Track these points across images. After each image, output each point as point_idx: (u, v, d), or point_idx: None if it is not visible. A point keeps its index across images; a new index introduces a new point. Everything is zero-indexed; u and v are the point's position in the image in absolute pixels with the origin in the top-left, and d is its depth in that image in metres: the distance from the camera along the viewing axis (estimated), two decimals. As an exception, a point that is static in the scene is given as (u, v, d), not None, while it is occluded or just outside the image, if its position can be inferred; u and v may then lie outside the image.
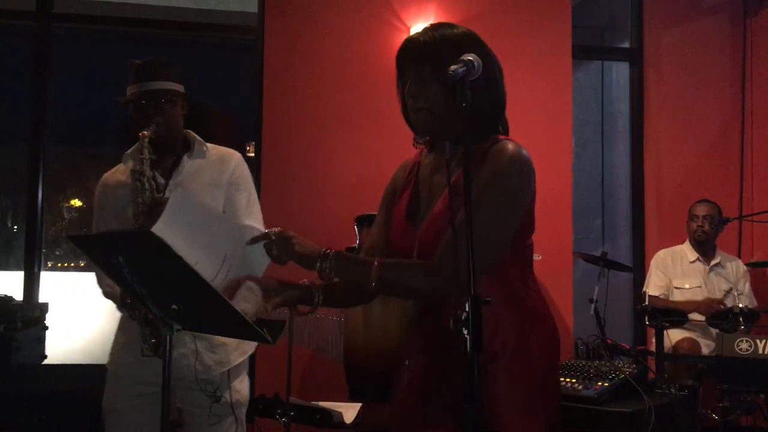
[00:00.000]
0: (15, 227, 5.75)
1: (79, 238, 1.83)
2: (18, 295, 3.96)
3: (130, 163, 2.39)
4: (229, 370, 2.35)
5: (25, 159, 4.27)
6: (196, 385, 2.29)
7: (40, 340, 3.70)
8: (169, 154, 2.38)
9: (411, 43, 1.71)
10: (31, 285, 4.17)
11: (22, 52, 4.52)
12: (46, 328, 3.76)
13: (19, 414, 3.13)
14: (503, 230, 1.54)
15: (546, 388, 1.61)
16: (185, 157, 2.39)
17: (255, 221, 2.44)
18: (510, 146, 1.58)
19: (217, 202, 2.38)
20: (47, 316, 3.81)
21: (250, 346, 2.47)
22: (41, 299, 4.16)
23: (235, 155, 2.48)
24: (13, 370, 3.29)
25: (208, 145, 2.46)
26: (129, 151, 2.43)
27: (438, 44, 1.64)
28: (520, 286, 1.62)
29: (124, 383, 2.31)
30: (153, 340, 2.17)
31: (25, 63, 4.35)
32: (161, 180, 2.31)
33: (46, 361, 3.73)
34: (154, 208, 2.18)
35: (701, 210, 4.34)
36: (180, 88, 2.38)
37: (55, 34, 4.37)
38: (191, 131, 2.47)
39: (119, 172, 2.45)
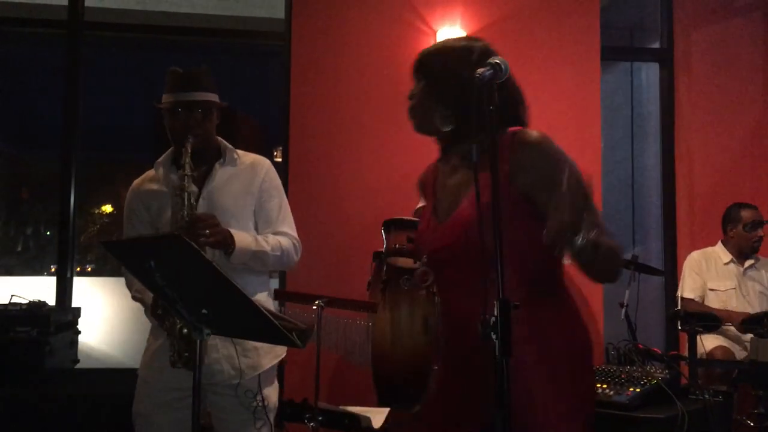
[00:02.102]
0: (48, 233, 5.85)
1: (111, 244, 1.86)
2: (51, 300, 4.02)
3: (162, 171, 2.42)
4: (260, 374, 2.36)
5: (57, 166, 4.34)
6: (229, 390, 2.31)
7: (73, 345, 3.74)
8: (202, 162, 2.40)
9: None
10: (63, 290, 4.22)
11: (54, 61, 4.59)
12: (79, 332, 3.81)
13: (52, 417, 3.16)
14: (589, 201, 1.50)
15: (582, 392, 1.60)
16: (217, 165, 2.42)
17: (288, 228, 2.48)
18: (532, 132, 1.64)
19: (249, 210, 2.41)
20: (79, 320, 3.86)
21: (282, 350, 2.48)
22: (74, 304, 4.22)
23: (265, 162, 2.50)
24: (46, 374, 3.33)
25: (239, 152, 2.48)
26: (161, 159, 2.45)
27: (427, 56, 1.79)
28: (553, 288, 1.63)
29: (154, 388, 2.33)
30: (186, 354, 2.17)
31: (57, 71, 4.42)
32: (194, 188, 2.32)
33: (78, 366, 3.77)
34: (192, 225, 2.20)
35: (752, 216, 4.24)
36: (216, 98, 2.40)
37: (87, 42, 4.43)
38: (221, 138, 2.48)
39: (149, 180, 2.46)
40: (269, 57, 4.96)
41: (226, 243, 2.26)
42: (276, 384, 2.49)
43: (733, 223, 4.31)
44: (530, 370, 1.55)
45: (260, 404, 2.32)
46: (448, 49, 1.76)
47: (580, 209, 1.44)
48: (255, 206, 2.43)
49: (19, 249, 6.32)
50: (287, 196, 4.15)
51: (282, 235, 2.43)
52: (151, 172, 2.48)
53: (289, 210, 2.52)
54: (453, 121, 1.71)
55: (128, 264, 1.91)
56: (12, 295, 3.62)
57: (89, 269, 4.51)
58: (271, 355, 2.41)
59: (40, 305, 3.57)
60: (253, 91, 5.69)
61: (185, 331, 2.14)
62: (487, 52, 1.68)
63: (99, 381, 3.62)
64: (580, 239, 1.40)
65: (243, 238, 2.31)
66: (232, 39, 4.87)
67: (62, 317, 3.63)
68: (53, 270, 5.14)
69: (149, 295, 2.26)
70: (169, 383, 2.28)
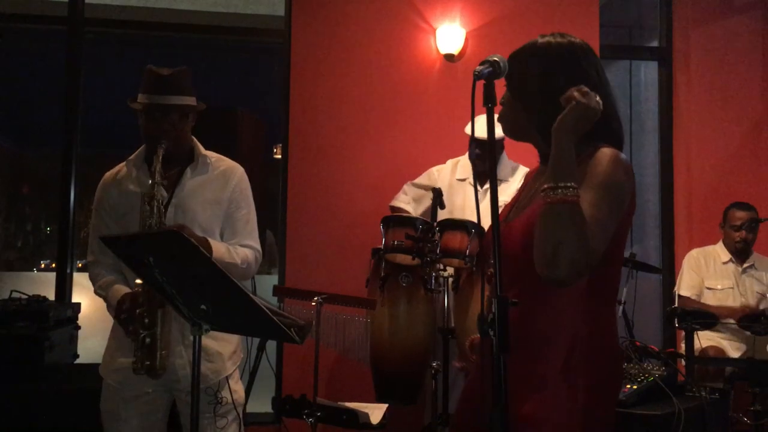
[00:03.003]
0: (48, 229, 5.85)
1: (110, 240, 1.87)
2: (51, 296, 4.03)
3: (134, 170, 2.41)
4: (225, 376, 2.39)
5: (57, 162, 4.34)
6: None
7: (72, 340, 3.74)
8: (173, 165, 2.39)
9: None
10: (63, 285, 4.24)
11: (54, 57, 4.59)
12: (78, 327, 3.81)
13: (51, 412, 3.16)
14: (604, 222, 1.46)
15: (596, 409, 1.55)
16: (188, 171, 2.40)
17: (252, 240, 2.47)
18: (610, 150, 1.55)
19: (217, 218, 2.40)
20: (79, 316, 3.86)
21: (241, 356, 2.51)
22: (73, 300, 4.22)
23: (238, 170, 2.48)
24: (46, 369, 3.32)
25: (213, 156, 2.46)
26: (132, 156, 2.44)
27: (511, 61, 1.62)
28: (595, 309, 1.57)
29: (118, 387, 2.34)
30: (147, 362, 2.18)
31: (57, 67, 4.42)
32: (164, 194, 2.30)
33: (77, 361, 3.78)
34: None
35: (741, 217, 4.26)
36: (194, 101, 2.39)
37: (87, 39, 4.43)
38: (196, 140, 2.47)
39: (121, 176, 2.44)
40: (269, 54, 4.95)
41: None
42: (240, 381, 2.50)
43: (724, 222, 4.33)
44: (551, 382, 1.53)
45: (222, 403, 2.32)
46: (530, 51, 1.63)
47: (598, 208, 1.44)
48: (223, 215, 2.42)
49: (20, 244, 6.34)
50: (286, 193, 4.22)
51: (247, 247, 2.43)
52: (122, 168, 2.46)
53: (255, 221, 2.50)
54: (541, 129, 1.61)
55: (127, 260, 1.91)
56: (12, 291, 3.62)
57: (79, 265, 4.50)
58: (233, 360, 2.43)
59: (39, 300, 3.56)
60: (253, 88, 5.69)
61: (148, 340, 2.15)
62: (572, 52, 1.60)
63: (98, 376, 3.62)
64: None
65: (218, 248, 2.30)
66: (232, 36, 4.86)
67: (62, 312, 3.63)
68: (53, 265, 5.14)
69: (113, 295, 2.27)
70: (132, 381, 2.29)
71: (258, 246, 2.47)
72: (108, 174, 2.50)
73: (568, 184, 1.42)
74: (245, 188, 2.48)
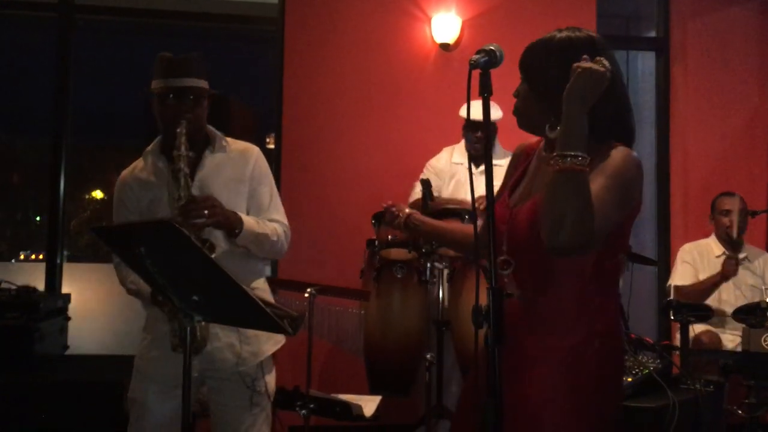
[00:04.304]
0: (38, 218, 5.82)
1: (101, 230, 1.84)
2: (40, 286, 4.00)
3: (151, 160, 2.39)
4: (262, 361, 2.37)
5: (47, 151, 4.31)
6: (230, 376, 2.31)
7: (63, 331, 3.73)
8: (192, 150, 2.34)
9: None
10: (53, 276, 4.21)
11: (45, 44, 4.54)
12: (69, 318, 3.79)
13: (41, 404, 3.15)
14: (609, 205, 1.48)
15: (598, 402, 1.57)
16: (207, 152, 2.39)
17: (279, 215, 2.46)
18: (625, 149, 1.57)
19: (241, 197, 2.39)
20: (69, 306, 3.84)
21: (282, 337, 2.46)
22: (63, 290, 4.20)
23: (255, 150, 2.49)
24: (35, 360, 3.31)
25: (228, 139, 2.46)
26: (149, 148, 2.42)
27: (530, 54, 1.64)
28: (597, 299, 1.59)
29: (150, 377, 2.33)
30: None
31: (48, 55, 4.38)
32: (186, 170, 2.26)
33: (68, 352, 3.76)
34: (186, 206, 2.17)
35: (727, 203, 4.25)
36: (207, 85, 2.38)
37: (78, 26, 4.39)
38: (210, 125, 2.46)
39: (139, 170, 2.43)
40: (263, 43, 4.92)
41: (230, 223, 2.24)
42: (274, 371, 2.48)
43: (712, 211, 4.31)
44: (548, 370, 1.54)
45: (260, 390, 2.33)
46: (547, 45, 1.61)
47: (604, 194, 1.45)
48: (246, 193, 2.41)
49: (9, 234, 6.30)
50: (279, 183, 4.19)
51: (275, 222, 2.42)
52: (139, 162, 2.45)
53: (278, 197, 2.50)
54: (557, 124, 1.59)
55: (119, 250, 1.90)
56: (1, 281, 3.60)
57: (66, 254, 4.47)
58: (271, 341, 2.41)
59: (29, 291, 3.54)
60: (246, 77, 5.65)
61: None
62: (592, 46, 1.58)
63: (89, 367, 3.61)
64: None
65: (247, 220, 2.30)
66: (225, 24, 4.83)
67: (52, 303, 3.61)
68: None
69: (145, 286, 2.22)
70: (166, 373, 2.28)
71: (285, 221, 2.46)
72: (125, 171, 2.47)
73: (577, 154, 1.42)
74: (265, 166, 2.48)
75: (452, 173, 3.69)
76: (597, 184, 1.47)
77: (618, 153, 1.54)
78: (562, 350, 1.53)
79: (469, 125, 3.45)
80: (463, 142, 3.72)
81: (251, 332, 2.34)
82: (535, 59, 1.60)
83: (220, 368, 2.31)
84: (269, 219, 2.41)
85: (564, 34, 1.62)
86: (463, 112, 3.51)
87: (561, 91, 1.52)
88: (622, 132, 1.60)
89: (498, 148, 3.65)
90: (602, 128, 1.55)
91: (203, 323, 2.17)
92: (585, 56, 1.49)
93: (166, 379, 2.28)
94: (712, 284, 3.94)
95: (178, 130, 2.23)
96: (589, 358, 1.54)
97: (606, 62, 1.48)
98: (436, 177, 3.69)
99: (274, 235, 2.37)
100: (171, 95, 2.29)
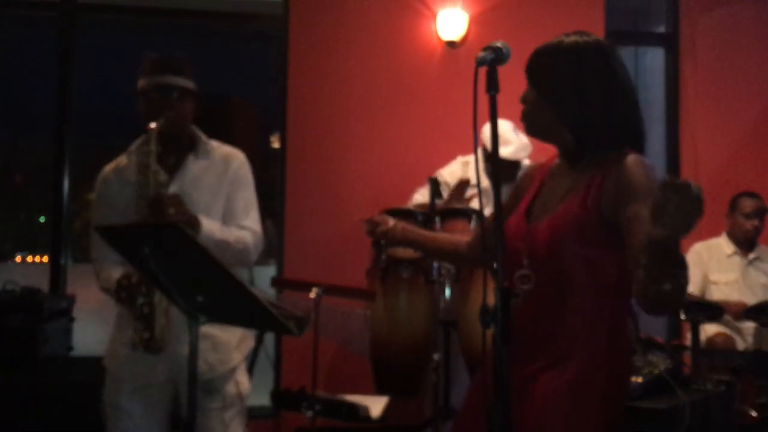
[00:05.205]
0: (41, 219, 5.82)
1: (105, 230, 1.87)
2: (44, 287, 3.99)
3: (133, 159, 2.38)
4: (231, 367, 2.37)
5: (50, 151, 4.29)
6: (204, 384, 2.30)
7: (67, 332, 3.72)
8: (173, 151, 2.37)
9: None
10: (57, 277, 4.20)
11: (47, 44, 4.54)
12: (73, 319, 3.78)
13: (45, 405, 3.15)
14: None
15: (604, 416, 1.58)
16: (190, 157, 2.39)
17: (251, 222, 2.44)
18: (638, 157, 1.56)
19: (220, 204, 2.39)
20: (74, 307, 3.83)
21: (250, 345, 2.51)
22: (68, 291, 4.18)
23: (239, 156, 2.48)
24: (39, 362, 3.32)
25: (213, 143, 2.46)
26: (132, 147, 2.43)
27: (537, 59, 1.64)
28: (615, 314, 1.60)
29: (121, 378, 2.33)
30: (147, 335, 2.17)
31: (50, 54, 4.37)
32: (165, 177, 2.28)
33: (72, 353, 3.75)
34: (156, 204, 2.18)
35: (752, 205, 4.20)
36: (192, 85, 2.38)
37: (80, 25, 4.37)
38: (196, 128, 2.46)
39: (121, 167, 2.43)
40: (267, 41, 4.90)
41: (191, 225, 2.22)
42: (246, 373, 2.49)
43: (732, 211, 4.28)
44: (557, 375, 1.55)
45: (231, 392, 2.34)
46: (555, 50, 1.60)
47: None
48: (223, 200, 2.41)
49: (12, 235, 6.31)
50: (284, 183, 4.18)
51: (245, 229, 2.40)
52: (123, 159, 2.45)
53: (255, 205, 2.48)
54: (569, 131, 1.61)
55: (122, 250, 1.90)
56: (5, 282, 3.59)
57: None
58: (239, 350, 2.42)
59: (33, 292, 3.54)
60: (250, 76, 5.64)
61: (146, 310, 2.15)
62: (602, 51, 1.59)
63: (93, 369, 3.59)
64: (669, 284, 1.30)
65: (209, 225, 2.29)
66: (229, 22, 4.82)
67: (56, 304, 3.62)
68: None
69: (112, 283, 2.25)
70: (136, 372, 2.29)
71: (258, 229, 2.44)
72: (107, 167, 2.48)
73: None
74: (245, 173, 2.47)
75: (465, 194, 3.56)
76: (642, 215, 1.41)
77: (637, 166, 1.53)
78: (576, 363, 1.54)
79: (488, 156, 3.33)
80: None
81: (221, 340, 2.33)
82: (543, 65, 1.59)
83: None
84: (239, 225, 2.39)
85: (572, 39, 1.61)
86: (484, 138, 3.36)
87: (570, 96, 1.54)
88: (632, 137, 1.60)
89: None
90: (612, 134, 1.56)
91: (165, 324, 2.18)
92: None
93: (136, 379, 2.29)
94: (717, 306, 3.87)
95: (152, 125, 2.24)
96: (600, 373, 1.55)
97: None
98: (446, 187, 3.60)
99: (239, 243, 2.35)
100: (154, 92, 2.30)
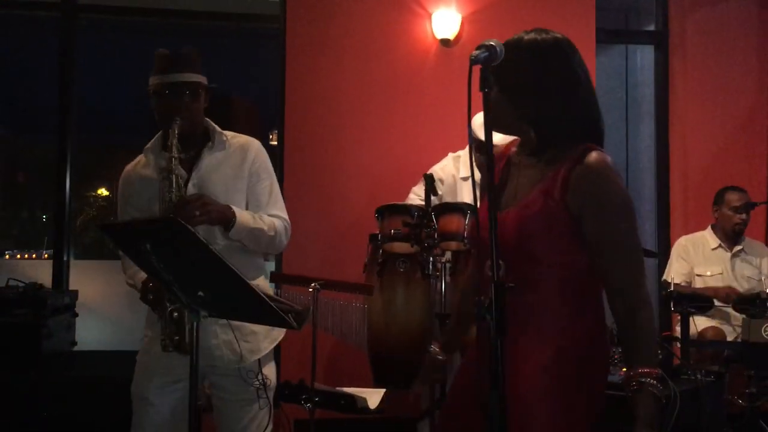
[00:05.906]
0: (44, 216, 5.84)
1: (107, 227, 1.89)
2: (48, 283, 4.03)
3: (152, 157, 2.40)
4: (260, 357, 2.39)
5: (53, 149, 4.33)
6: (231, 372, 2.34)
7: (70, 327, 3.75)
8: (190, 146, 2.37)
9: None
10: (60, 273, 4.23)
11: (49, 43, 4.56)
12: (76, 315, 3.82)
13: (49, 400, 3.18)
14: (638, 247, 1.62)
15: (585, 397, 1.62)
16: (206, 150, 2.39)
17: (279, 210, 2.46)
18: (600, 156, 1.60)
19: (240, 194, 2.40)
20: (77, 303, 3.86)
21: (279, 333, 2.49)
22: (71, 287, 4.22)
23: (255, 144, 2.48)
24: (43, 357, 3.34)
25: (228, 133, 2.46)
26: (149, 144, 2.44)
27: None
28: (584, 298, 1.64)
29: (153, 372, 2.35)
30: (176, 338, 2.18)
31: (52, 54, 4.39)
32: (183, 172, 2.30)
33: (76, 348, 3.79)
34: (179, 206, 2.19)
35: (738, 199, 4.25)
36: (203, 80, 2.37)
37: (81, 25, 4.40)
38: (210, 121, 2.46)
39: (141, 166, 2.45)
40: (264, 39, 4.92)
41: (225, 217, 2.25)
42: (274, 364, 2.51)
43: (718, 204, 4.32)
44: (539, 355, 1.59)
45: (261, 385, 2.35)
46: (516, 46, 1.61)
47: (638, 282, 1.56)
48: (246, 189, 2.41)
49: (16, 232, 6.32)
50: (282, 180, 4.21)
51: (274, 217, 2.42)
52: (142, 158, 2.46)
53: (279, 192, 2.50)
54: (530, 127, 1.65)
55: (124, 247, 1.92)
56: (9, 278, 3.63)
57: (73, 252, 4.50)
58: (269, 338, 2.43)
59: (36, 288, 3.57)
60: (248, 74, 5.66)
61: (176, 315, 2.15)
62: (560, 49, 1.63)
63: (97, 363, 3.64)
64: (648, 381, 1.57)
65: (243, 215, 2.31)
66: (227, 21, 4.83)
67: (59, 300, 3.64)
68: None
69: (139, 280, 2.26)
70: (168, 368, 2.30)
71: (285, 216, 2.46)
72: (128, 166, 2.49)
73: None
74: (264, 160, 2.48)
75: (458, 188, 3.56)
76: (615, 230, 1.57)
77: (601, 168, 1.59)
78: (552, 348, 1.57)
79: (478, 145, 3.37)
80: (467, 149, 3.63)
81: (249, 329, 2.35)
82: (504, 60, 1.57)
83: (220, 365, 2.33)
84: (269, 214, 2.41)
85: (531, 36, 1.64)
86: (474, 128, 3.40)
87: (529, 93, 1.58)
88: (591, 135, 1.64)
89: None
90: (572, 132, 1.60)
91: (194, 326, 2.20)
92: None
93: (167, 373, 2.31)
94: (706, 297, 3.91)
95: (171, 130, 2.24)
96: (573, 358, 1.58)
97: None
98: (440, 184, 3.61)
99: (271, 230, 2.37)
100: (167, 91, 2.30)
